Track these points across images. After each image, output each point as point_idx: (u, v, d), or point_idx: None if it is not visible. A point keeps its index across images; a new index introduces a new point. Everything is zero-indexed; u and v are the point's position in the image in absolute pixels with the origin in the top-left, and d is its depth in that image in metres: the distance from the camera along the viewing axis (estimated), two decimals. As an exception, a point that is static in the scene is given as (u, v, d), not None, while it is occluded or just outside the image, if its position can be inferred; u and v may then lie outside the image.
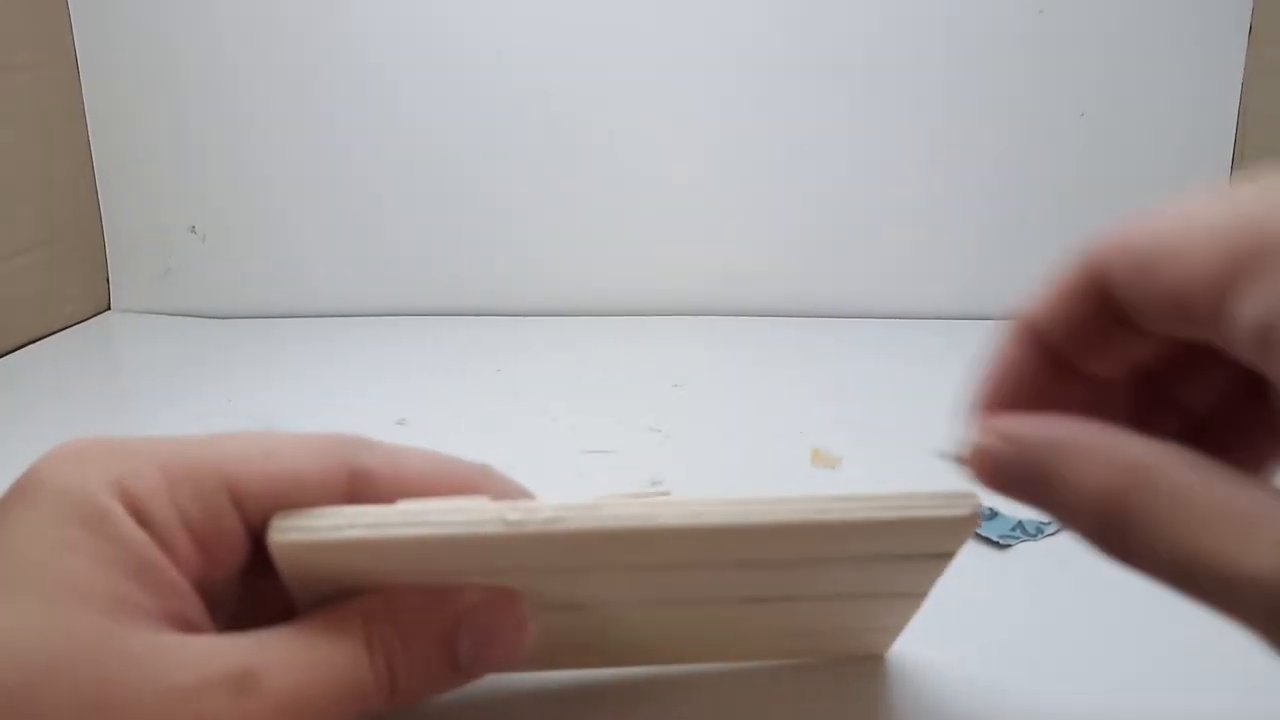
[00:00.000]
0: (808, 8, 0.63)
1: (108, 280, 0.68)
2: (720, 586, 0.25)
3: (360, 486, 0.24)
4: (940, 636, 0.31)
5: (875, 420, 0.49)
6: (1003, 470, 0.20)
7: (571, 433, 0.48)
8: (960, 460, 0.21)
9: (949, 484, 0.22)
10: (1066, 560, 0.36)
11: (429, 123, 0.65)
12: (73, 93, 0.65)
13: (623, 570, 0.24)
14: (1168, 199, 0.19)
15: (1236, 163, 0.64)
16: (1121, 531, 0.18)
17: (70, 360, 0.60)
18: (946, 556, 0.25)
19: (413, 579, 0.23)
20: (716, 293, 0.67)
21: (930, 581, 0.26)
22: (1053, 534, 0.37)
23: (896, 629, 0.29)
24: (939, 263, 0.67)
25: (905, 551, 0.24)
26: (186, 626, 0.21)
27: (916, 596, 0.27)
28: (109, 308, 0.68)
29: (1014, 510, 0.39)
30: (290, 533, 0.22)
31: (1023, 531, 0.37)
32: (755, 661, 0.30)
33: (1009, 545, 0.37)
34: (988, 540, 0.37)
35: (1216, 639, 0.32)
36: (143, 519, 0.21)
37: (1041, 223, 0.66)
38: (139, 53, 0.65)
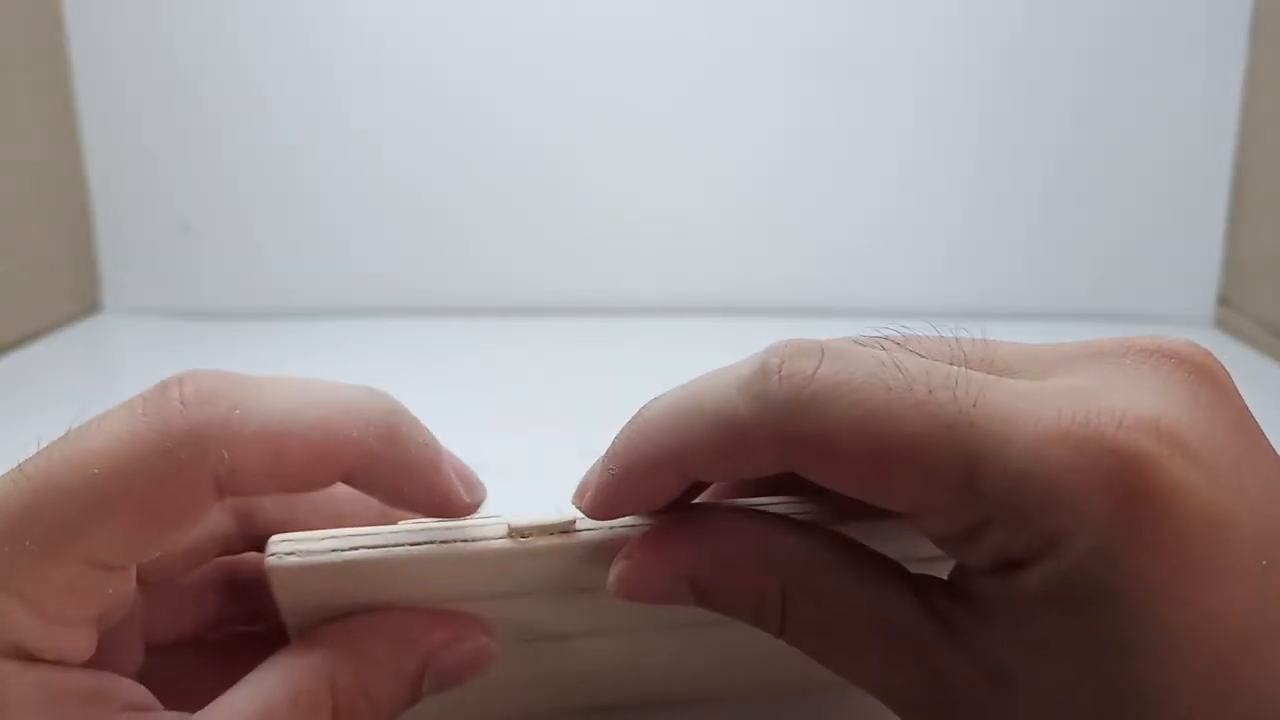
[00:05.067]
0: (812, 5, 0.63)
1: (99, 280, 0.68)
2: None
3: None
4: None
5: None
6: (657, 594, 0.21)
7: (569, 433, 0.47)
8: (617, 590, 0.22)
9: None
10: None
11: (418, 123, 0.65)
12: (65, 92, 0.64)
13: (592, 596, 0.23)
14: None
15: (1239, 160, 0.64)
16: (778, 624, 0.20)
17: (62, 361, 0.60)
18: None
19: (407, 601, 0.22)
20: (719, 291, 0.66)
21: None
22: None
23: None
24: (922, 259, 0.67)
25: None
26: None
27: None
28: (100, 308, 0.68)
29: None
30: (289, 557, 0.21)
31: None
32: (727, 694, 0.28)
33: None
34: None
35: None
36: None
37: (1040, 224, 0.66)
38: (132, 52, 0.64)
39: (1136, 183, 0.65)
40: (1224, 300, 0.66)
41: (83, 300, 0.67)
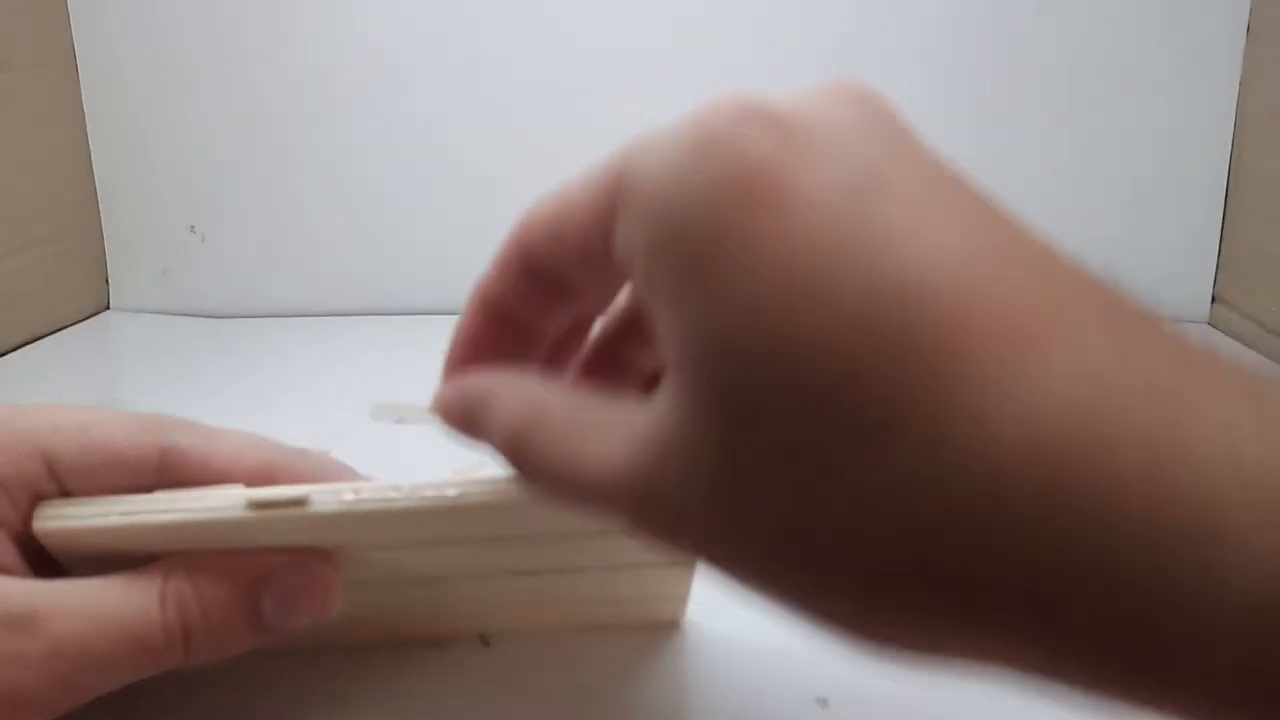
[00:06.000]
0: (815, 8, 0.63)
1: (107, 279, 0.68)
2: (483, 562, 0.27)
3: (171, 463, 0.25)
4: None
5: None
6: (453, 412, 0.23)
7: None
8: (432, 409, 0.24)
9: None
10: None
11: (430, 122, 0.65)
12: (71, 92, 0.65)
13: (387, 550, 0.26)
14: None
15: (1233, 161, 0.64)
16: (522, 454, 0.21)
17: (69, 359, 0.60)
18: None
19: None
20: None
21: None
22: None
23: (682, 596, 0.31)
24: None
25: None
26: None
27: (684, 565, 0.28)
28: (108, 307, 0.68)
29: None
30: (51, 520, 0.24)
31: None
32: (561, 628, 0.31)
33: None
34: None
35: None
36: None
37: (1035, 223, 0.66)
38: (137, 52, 0.65)
39: (1131, 181, 0.65)
40: (1218, 299, 0.66)
41: (90, 299, 0.67)
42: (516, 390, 0.22)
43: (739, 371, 0.16)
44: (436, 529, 0.25)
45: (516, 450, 0.21)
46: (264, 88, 0.65)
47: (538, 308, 0.23)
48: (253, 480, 0.25)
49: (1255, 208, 0.63)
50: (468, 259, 0.68)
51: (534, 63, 0.64)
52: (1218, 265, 0.66)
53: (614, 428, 0.19)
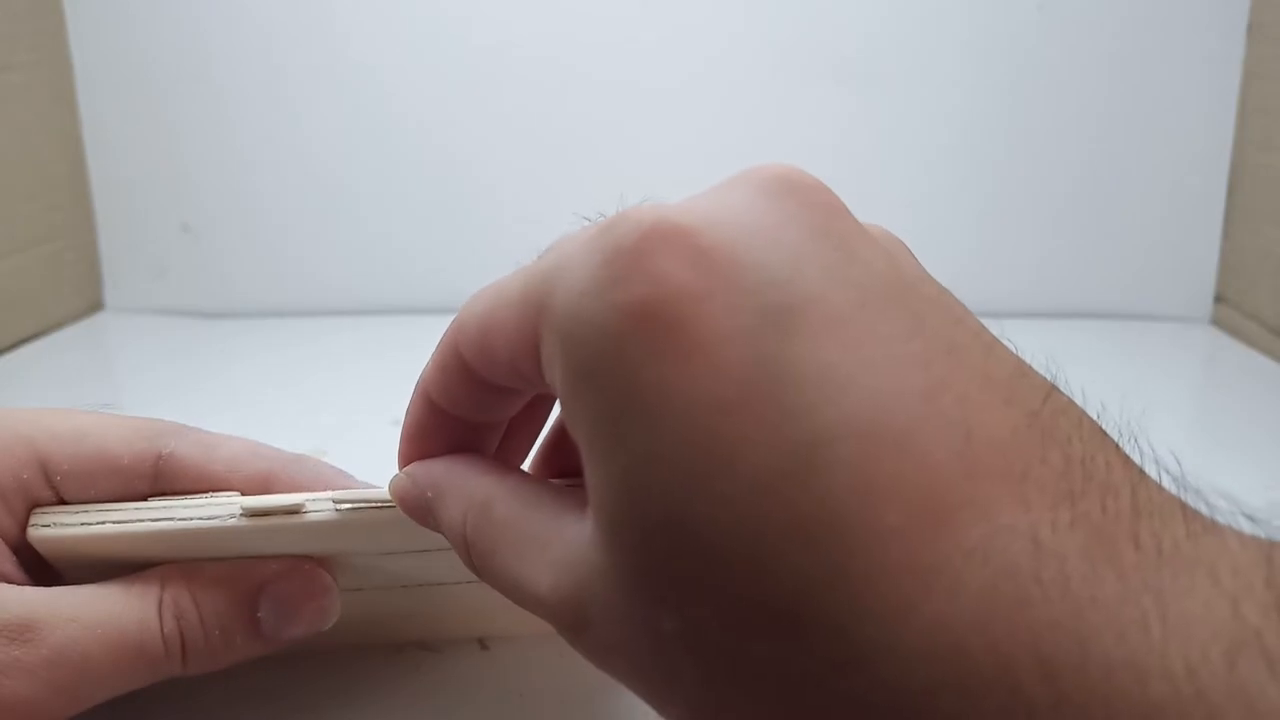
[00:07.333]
0: (829, 18, 0.63)
1: (101, 279, 0.68)
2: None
3: (167, 470, 0.25)
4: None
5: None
6: (406, 503, 0.23)
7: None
8: (389, 494, 0.23)
9: None
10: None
11: (422, 121, 0.65)
12: (66, 93, 0.65)
13: (383, 556, 0.26)
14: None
15: (1235, 159, 0.64)
16: (470, 556, 0.21)
17: (64, 360, 0.60)
18: None
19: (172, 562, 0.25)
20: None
21: None
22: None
23: None
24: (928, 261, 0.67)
25: None
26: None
27: None
28: (102, 307, 0.68)
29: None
30: (46, 528, 0.24)
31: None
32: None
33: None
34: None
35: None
36: None
37: (1037, 223, 0.66)
38: (132, 53, 0.65)
39: (1133, 181, 0.65)
40: (1220, 298, 0.66)
41: (85, 299, 0.67)
42: (464, 489, 0.21)
43: (645, 542, 0.16)
44: (431, 535, 0.25)
45: (466, 553, 0.21)
46: (257, 88, 0.65)
47: (480, 405, 0.23)
48: (249, 487, 0.25)
49: (1257, 206, 0.63)
50: (467, 259, 0.69)
51: (533, 64, 0.64)
52: (1220, 264, 0.66)
53: (549, 550, 0.19)
